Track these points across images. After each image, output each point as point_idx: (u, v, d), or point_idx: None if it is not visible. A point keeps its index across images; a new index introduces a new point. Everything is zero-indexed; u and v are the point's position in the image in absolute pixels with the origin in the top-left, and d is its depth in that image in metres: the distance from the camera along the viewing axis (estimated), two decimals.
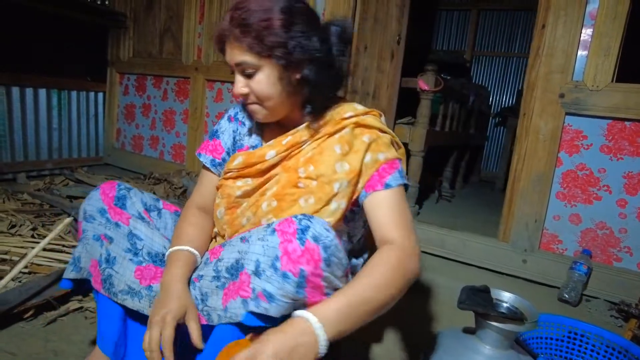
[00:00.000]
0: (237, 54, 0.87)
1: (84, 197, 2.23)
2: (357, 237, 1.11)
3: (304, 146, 0.97)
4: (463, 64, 4.95)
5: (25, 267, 1.48)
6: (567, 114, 1.77)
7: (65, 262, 1.54)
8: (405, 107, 2.72)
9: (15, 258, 1.51)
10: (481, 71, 5.50)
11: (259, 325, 0.80)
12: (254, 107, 0.95)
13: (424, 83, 2.49)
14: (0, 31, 2.61)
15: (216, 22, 2.71)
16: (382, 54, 2.42)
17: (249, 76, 0.89)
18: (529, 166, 1.84)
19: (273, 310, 0.78)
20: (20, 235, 1.70)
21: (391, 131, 1.00)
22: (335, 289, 0.82)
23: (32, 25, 2.78)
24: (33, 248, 1.59)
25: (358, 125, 0.97)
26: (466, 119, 3.73)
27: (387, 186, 0.93)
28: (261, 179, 0.99)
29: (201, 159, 1.10)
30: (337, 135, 0.96)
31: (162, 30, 3.01)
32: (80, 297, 1.40)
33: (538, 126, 1.81)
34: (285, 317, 0.78)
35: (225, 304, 0.87)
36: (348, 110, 0.98)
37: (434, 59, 3.98)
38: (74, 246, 1.66)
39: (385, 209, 0.92)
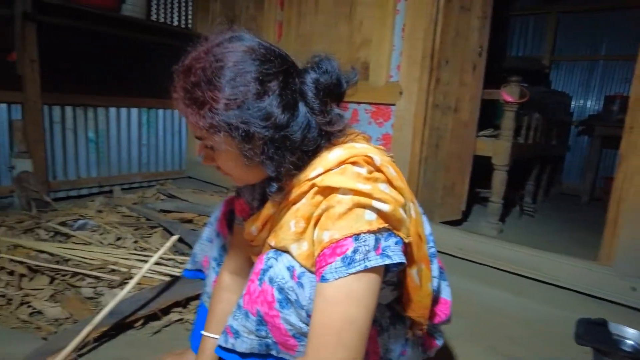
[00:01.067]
0: (191, 127, 0.75)
1: (175, 211, 2.38)
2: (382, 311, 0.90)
3: (275, 216, 0.84)
4: (541, 71, 4.69)
5: (129, 277, 1.60)
6: None
7: (165, 275, 1.65)
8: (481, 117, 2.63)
9: (123, 269, 1.64)
10: (561, 77, 5.17)
11: None
12: (227, 176, 0.84)
13: (508, 94, 2.39)
14: (99, 59, 2.88)
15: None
16: (463, 67, 2.35)
17: (210, 148, 0.78)
18: (638, 185, 1.69)
19: (239, 346, 0.81)
20: (125, 247, 1.84)
21: (370, 187, 0.70)
22: (304, 334, 0.76)
23: (125, 51, 3.03)
24: (137, 260, 1.72)
25: (318, 190, 0.74)
26: (548, 128, 3.53)
27: (322, 279, 0.69)
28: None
29: (236, 222, 1.02)
30: (295, 206, 0.78)
31: None
32: (180, 309, 1.48)
33: None
34: (264, 356, 0.82)
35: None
36: (318, 165, 0.76)
37: (508, 67, 3.82)
38: (171, 259, 1.77)
39: (314, 311, 0.71)
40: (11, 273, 1.56)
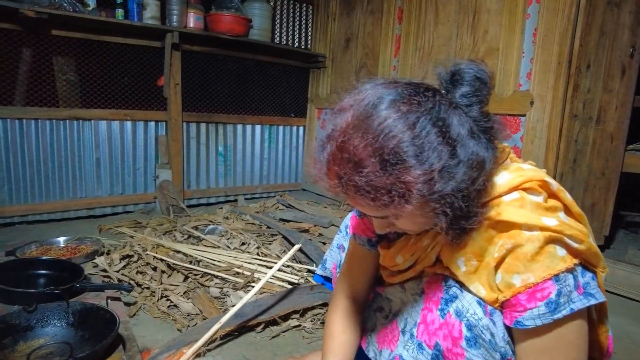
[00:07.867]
0: (365, 210, 0.66)
1: (294, 221, 2.47)
2: None
3: (429, 249, 0.77)
4: None
5: (252, 281, 1.68)
6: None
7: (283, 281, 1.70)
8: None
9: (247, 273, 1.73)
10: None
11: None
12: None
13: None
14: (229, 80, 3.17)
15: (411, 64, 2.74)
16: (609, 71, 2.07)
17: (389, 217, 0.69)
18: None
19: None
20: (248, 252, 1.96)
21: (557, 219, 0.63)
22: None
23: (251, 72, 3.29)
24: (259, 265, 1.81)
25: (491, 224, 0.66)
26: None
27: (519, 324, 0.64)
28: (406, 273, 0.83)
29: (357, 241, 0.93)
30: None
31: (358, 66, 3.20)
32: (297, 316, 1.51)
33: None
34: None
35: (379, 353, 0.87)
36: (484, 194, 0.66)
37: None
38: (289, 266, 1.83)
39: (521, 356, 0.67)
40: (154, 269, 1.75)
